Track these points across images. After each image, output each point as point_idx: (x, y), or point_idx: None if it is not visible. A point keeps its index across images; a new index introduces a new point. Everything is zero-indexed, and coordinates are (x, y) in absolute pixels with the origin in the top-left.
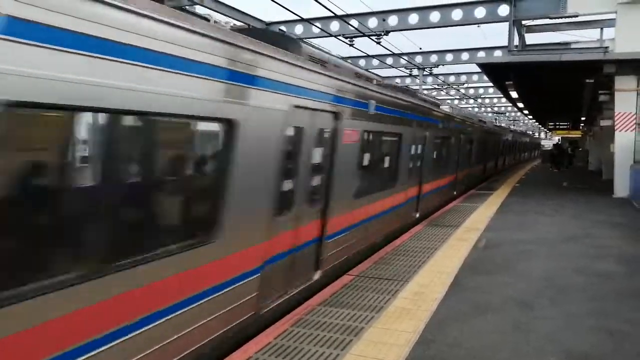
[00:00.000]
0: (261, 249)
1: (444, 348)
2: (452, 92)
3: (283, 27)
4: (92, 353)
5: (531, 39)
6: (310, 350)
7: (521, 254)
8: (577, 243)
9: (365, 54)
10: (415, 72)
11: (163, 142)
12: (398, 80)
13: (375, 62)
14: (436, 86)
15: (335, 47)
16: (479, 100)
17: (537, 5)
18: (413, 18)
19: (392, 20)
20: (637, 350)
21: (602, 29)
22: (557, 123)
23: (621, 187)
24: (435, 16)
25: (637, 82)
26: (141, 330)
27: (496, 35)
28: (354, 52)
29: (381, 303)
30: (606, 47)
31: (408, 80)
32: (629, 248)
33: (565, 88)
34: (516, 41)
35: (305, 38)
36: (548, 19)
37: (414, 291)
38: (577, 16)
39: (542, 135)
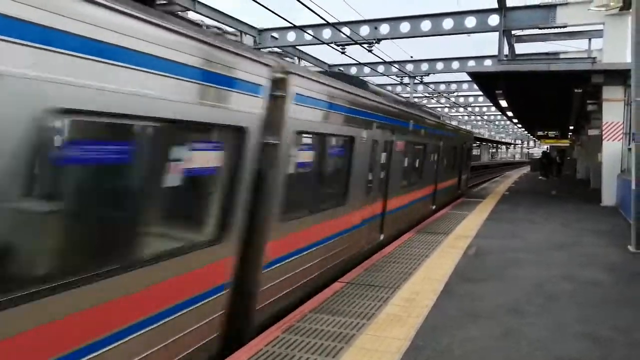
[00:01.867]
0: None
1: (435, 355)
2: (442, 100)
3: (275, 34)
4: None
5: (521, 48)
6: (301, 357)
7: (511, 261)
8: (566, 251)
9: (356, 62)
10: (406, 80)
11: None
12: (389, 87)
13: (366, 69)
14: (426, 94)
15: (327, 55)
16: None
17: (527, 15)
18: (404, 27)
19: (384, 28)
20: (623, 356)
21: (590, 39)
22: (546, 132)
23: (609, 196)
24: (426, 25)
25: (625, 92)
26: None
27: (486, 44)
28: (345, 60)
29: (372, 310)
30: (594, 58)
31: (399, 89)
32: (616, 256)
33: (553, 97)
34: (506, 51)
35: (298, 45)
36: (537, 29)
37: (405, 298)
38: (565, 27)
39: (532, 143)
